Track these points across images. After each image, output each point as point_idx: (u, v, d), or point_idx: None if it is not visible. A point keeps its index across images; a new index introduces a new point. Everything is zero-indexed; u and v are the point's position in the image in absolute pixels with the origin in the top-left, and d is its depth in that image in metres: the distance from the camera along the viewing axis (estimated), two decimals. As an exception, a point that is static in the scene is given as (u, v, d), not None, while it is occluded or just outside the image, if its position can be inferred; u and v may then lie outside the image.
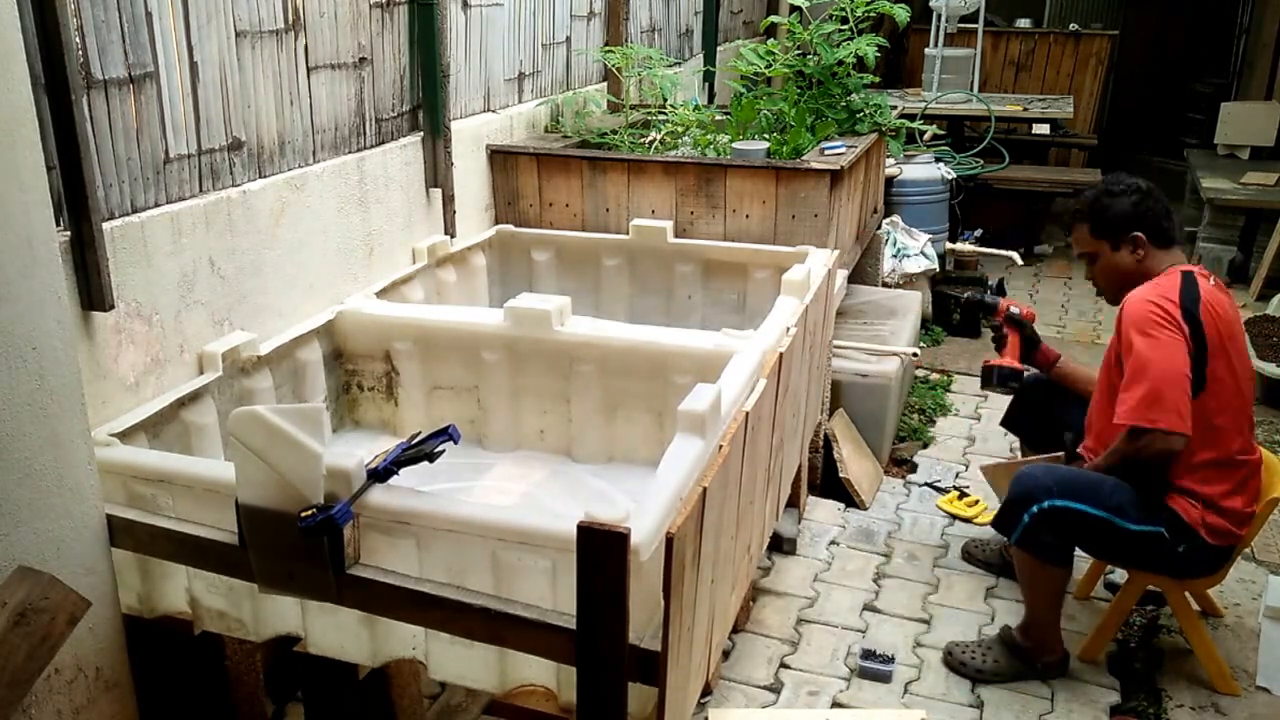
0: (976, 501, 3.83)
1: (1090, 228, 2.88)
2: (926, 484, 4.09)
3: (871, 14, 4.36)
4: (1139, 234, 2.80)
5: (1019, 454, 3.52)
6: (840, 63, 4.27)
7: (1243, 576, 3.33)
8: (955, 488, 3.98)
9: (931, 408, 4.70)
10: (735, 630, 3.02)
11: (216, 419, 2.46)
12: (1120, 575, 3.20)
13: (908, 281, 5.21)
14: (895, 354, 4.15)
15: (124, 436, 2.20)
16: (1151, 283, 2.72)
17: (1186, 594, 2.89)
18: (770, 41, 4.56)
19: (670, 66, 4.34)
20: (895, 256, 5.21)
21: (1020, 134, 7.97)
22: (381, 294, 3.08)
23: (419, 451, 1.95)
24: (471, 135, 3.69)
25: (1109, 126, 10.49)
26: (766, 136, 4.07)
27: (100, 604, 2.03)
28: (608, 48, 4.71)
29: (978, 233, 6.65)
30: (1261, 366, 4.63)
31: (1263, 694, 2.85)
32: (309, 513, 1.83)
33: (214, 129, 2.53)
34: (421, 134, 3.40)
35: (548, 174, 3.79)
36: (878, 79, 4.77)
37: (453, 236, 3.54)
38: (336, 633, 2.06)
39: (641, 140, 4.12)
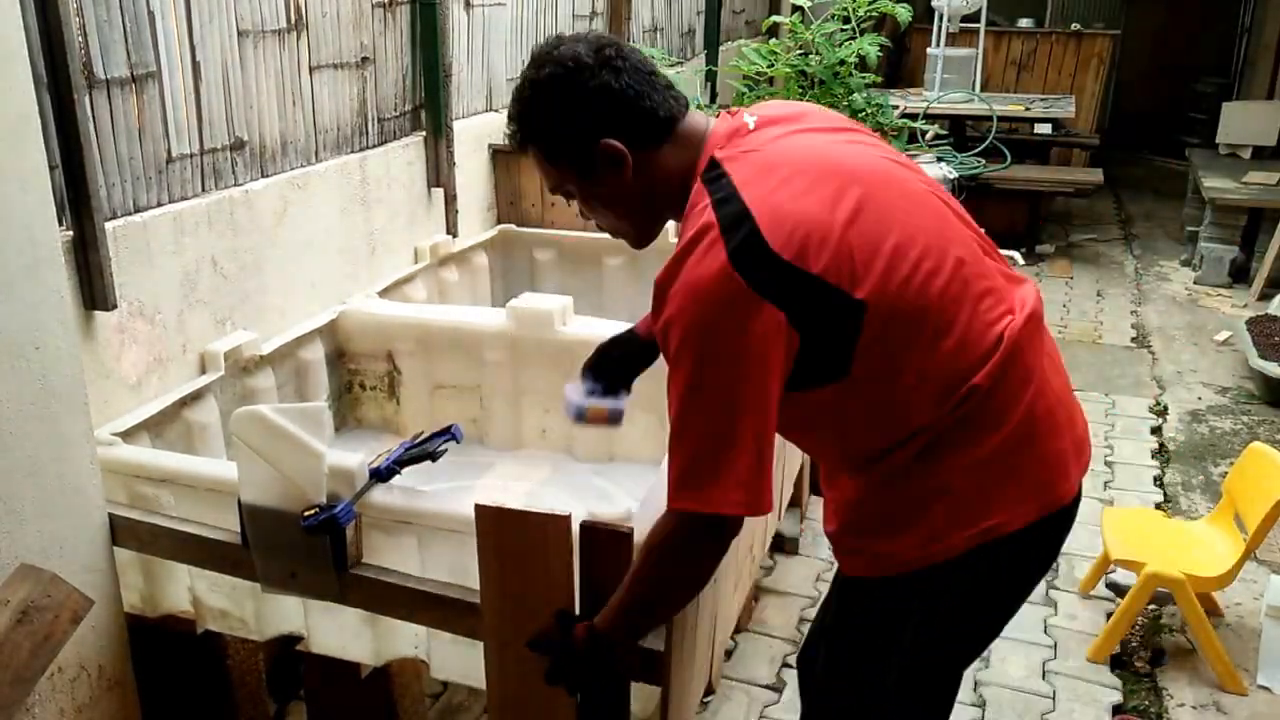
0: (978, 501, 3.82)
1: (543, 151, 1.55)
2: (928, 483, 4.08)
3: (873, 14, 4.36)
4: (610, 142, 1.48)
5: None
6: (842, 62, 4.27)
7: (1244, 576, 3.31)
8: (957, 487, 3.98)
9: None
10: (738, 630, 3.02)
11: (219, 418, 2.47)
12: (1122, 575, 3.20)
13: (909, 281, 5.20)
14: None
15: (126, 436, 2.21)
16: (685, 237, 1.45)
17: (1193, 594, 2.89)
18: (772, 41, 4.56)
19: (672, 66, 4.35)
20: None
21: (1022, 134, 7.96)
22: (384, 293, 3.09)
23: (421, 451, 1.95)
24: (474, 135, 3.69)
25: (1111, 126, 10.48)
26: (768, 136, 4.06)
27: (102, 603, 2.03)
28: (609, 47, 4.71)
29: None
30: (1264, 366, 4.63)
31: (1263, 693, 2.84)
32: (311, 512, 1.83)
33: (216, 129, 2.53)
34: (424, 133, 3.41)
35: (550, 173, 3.78)
36: (879, 79, 4.76)
37: (455, 236, 3.55)
38: (339, 632, 2.06)
39: (643, 140, 4.12)
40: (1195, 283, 6.51)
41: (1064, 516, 1.58)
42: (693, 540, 1.45)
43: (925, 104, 6.99)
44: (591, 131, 1.48)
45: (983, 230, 1.60)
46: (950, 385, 1.45)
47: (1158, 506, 3.80)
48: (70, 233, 2.13)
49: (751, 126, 1.52)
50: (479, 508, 1.70)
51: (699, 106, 4.39)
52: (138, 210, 2.34)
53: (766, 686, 2.86)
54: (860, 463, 1.54)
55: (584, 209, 1.63)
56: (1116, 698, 2.84)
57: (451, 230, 3.54)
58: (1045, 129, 8.03)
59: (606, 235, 3.91)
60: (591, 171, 1.52)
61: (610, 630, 1.58)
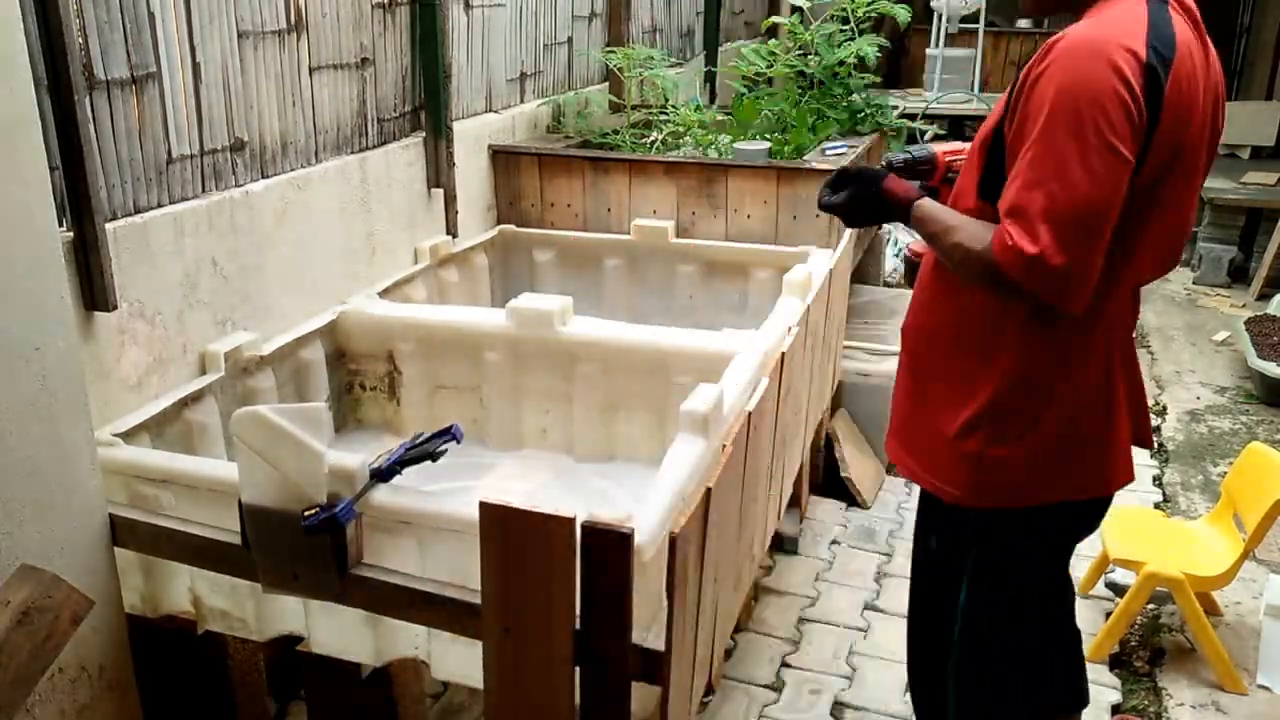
0: (978, 501, 3.82)
1: None
2: (928, 484, 4.08)
3: (872, 14, 4.36)
4: None
5: None
6: (841, 63, 4.27)
7: (1243, 575, 3.31)
8: (957, 487, 3.98)
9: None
10: (738, 629, 3.02)
11: (219, 419, 2.46)
12: (1121, 574, 3.20)
13: (909, 281, 5.20)
14: (897, 354, 4.14)
15: (127, 436, 2.21)
16: (1103, 17, 1.64)
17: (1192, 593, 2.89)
18: (771, 42, 4.57)
19: (672, 67, 4.35)
20: (897, 256, 5.20)
21: (1021, 134, 7.95)
22: (384, 294, 3.09)
23: (422, 451, 1.96)
24: (473, 135, 3.69)
25: (1110, 126, 10.45)
26: (768, 137, 4.07)
27: (103, 603, 2.03)
28: (609, 48, 4.71)
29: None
30: (1262, 366, 4.63)
31: (1263, 692, 2.84)
32: (312, 512, 1.83)
33: (216, 129, 2.53)
34: (423, 134, 3.41)
35: (549, 174, 3.79)
36: (879, 79, 4.77)
37: (455, 236, 3.55)
38: (339, 632, 2.06)
39: (643, 140, 4.12)
40: (1194, 283, 6.51)
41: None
42: (1002, 272, 1.61)
43: (924, 104, 7.00)
44: None
45: None
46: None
47: (1156, 506, 3.80)
48: (70, 234, 2.12)
49: None
50: (483, 505, 1.71)
51: (697, 108, 4.39)
52: (138, 211, 2.34)
53: (766, 686, 2.86)
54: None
55: None
56: (1116, 697, 2.84)
57: (451, 231, 3.54)
58: (1045, 129, 8.01)
59: (606, 236, 3.87)
60: None
61: (917, 219, 1.80)
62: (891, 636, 3.09)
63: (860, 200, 1.88)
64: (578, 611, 1.74)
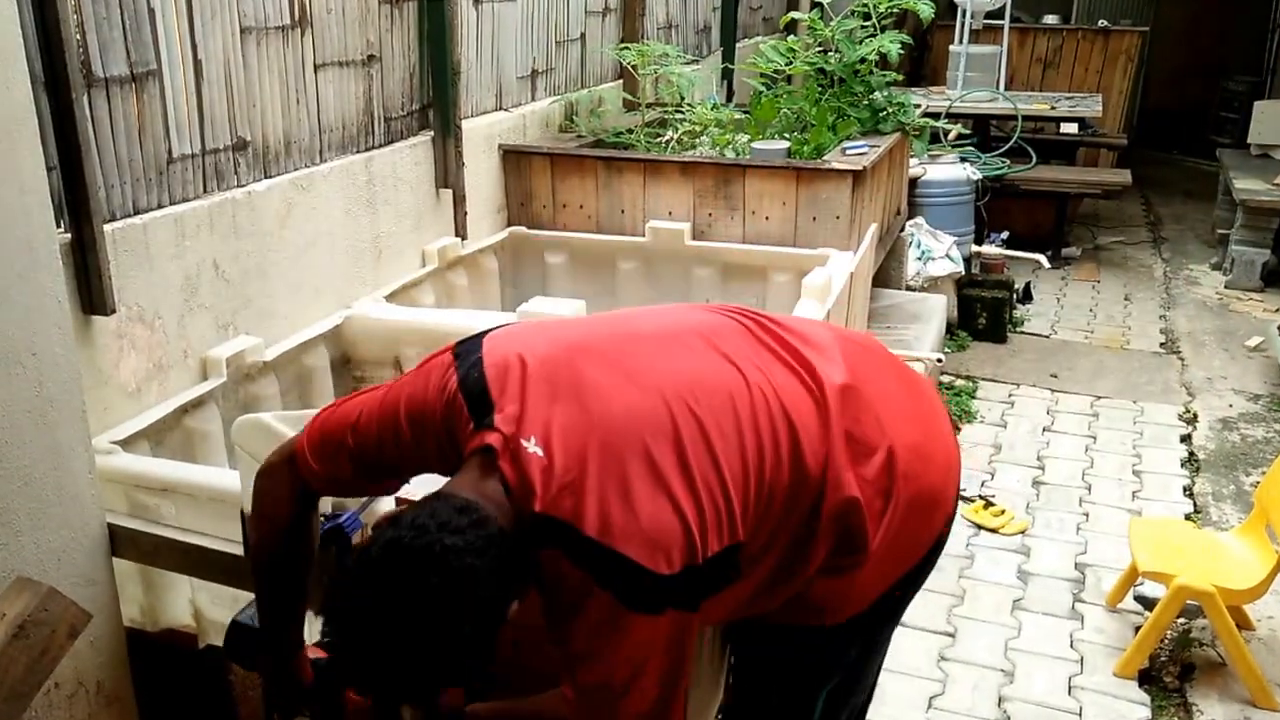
0: (1003, 511, 3.75)
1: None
2: (950, 491, 4.00)
3: (895, 10, 4.30)
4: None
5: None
6: (863, 60, 4.22)
7: (1276, 588, 3.23)
8: (981, 496, 3.90)
9: (956, 414, 4.62)
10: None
11: (220, 426, 2.44)
12: (1151, 587, 3.13)
13: (932, 285, 5.13)
14: (919, 359, 4.08)
15: (126, 444, 2.19)
16: None
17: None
18: (790, 38, 4.50)
19: (688, 64, 4.30)
20: (920, 259, 5.13)
21: (1048, 133, 7.85)
22: (390, 297, 3.07)
23: (427, 460, 1.91)
24: (483, 134, 3.65)
25: (1139, 125, 10.35)
26: (787, 136, 4.02)
27: (101, 616, 2.00)
28: (623, 44, 4.66)
29: (1004, 235, 6.54)
30: (1296, 370, 4.53)
31: (1298, 710, 2.77)
32: (315, 522, 1.79)
33: (218, 128, 2.51)
34: (431, 133, 3.37)
35: (562, 174, 3.75)
36: (901, 77, 4.70)
37: (464, 238, 3.52)
38: (342, 646, 2.02)
39: (658, 140, 4.08)
40: (1226, 287, 6.41)
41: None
42: None
43: (948, 103, 6.91)
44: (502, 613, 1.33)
45: (790, 329, 1.61)
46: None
47: (1187, 517, 3.74)
48: (68, 235, 2.10)
49: (541, 453, 1.34)
50: None
51: (714, 106, 4.33)
52: (137, 212, 2.31)
53: (783, 701, 2.80)
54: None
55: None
56: (1145, 714, 2.79)
57: (460, 233, 3.50)
58: (1072, 128, 7.93)
59: (619, 238, 3.82)
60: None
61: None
62: (913, 650, 3.02)
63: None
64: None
